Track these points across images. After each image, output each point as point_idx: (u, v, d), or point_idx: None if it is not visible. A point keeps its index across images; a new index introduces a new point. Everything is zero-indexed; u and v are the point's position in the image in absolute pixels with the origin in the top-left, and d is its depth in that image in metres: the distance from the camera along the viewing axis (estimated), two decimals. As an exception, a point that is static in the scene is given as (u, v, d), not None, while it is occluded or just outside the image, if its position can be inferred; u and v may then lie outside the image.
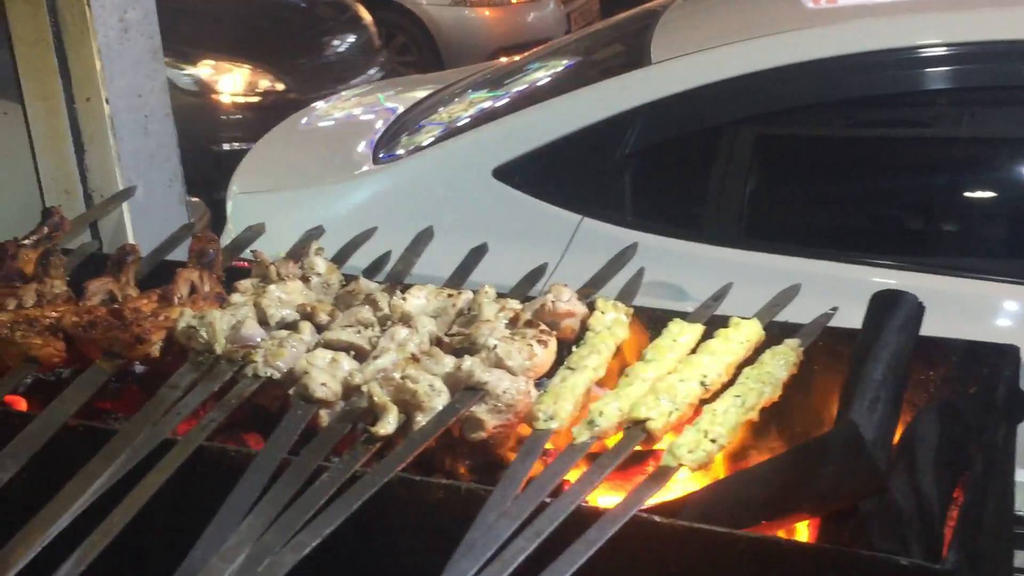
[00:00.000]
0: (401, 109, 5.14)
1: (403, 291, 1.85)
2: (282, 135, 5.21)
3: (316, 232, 2.16)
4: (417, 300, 1.82)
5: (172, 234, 2.19)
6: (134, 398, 1.98)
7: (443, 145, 4.54)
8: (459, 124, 4.72)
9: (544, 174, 4.27)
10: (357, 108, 5.54)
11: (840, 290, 2.90)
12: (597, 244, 4.06)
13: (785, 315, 1.82)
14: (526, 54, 5.55)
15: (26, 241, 2.14)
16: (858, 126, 3.75)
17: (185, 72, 6.22)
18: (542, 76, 5.07)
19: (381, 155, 4.69)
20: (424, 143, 4.66)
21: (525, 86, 5.00)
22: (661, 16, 4.51)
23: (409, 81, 6.08)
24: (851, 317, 1.77)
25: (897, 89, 3.51)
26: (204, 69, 6.32)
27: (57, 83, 2.30)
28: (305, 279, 1.93)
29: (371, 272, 2.03)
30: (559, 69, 5.10)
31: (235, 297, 1.87)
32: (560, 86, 4.73)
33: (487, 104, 4.89)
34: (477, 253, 2.08)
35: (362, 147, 4.82)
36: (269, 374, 1.71)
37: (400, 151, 4.67)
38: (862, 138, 3.69)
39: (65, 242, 2.25)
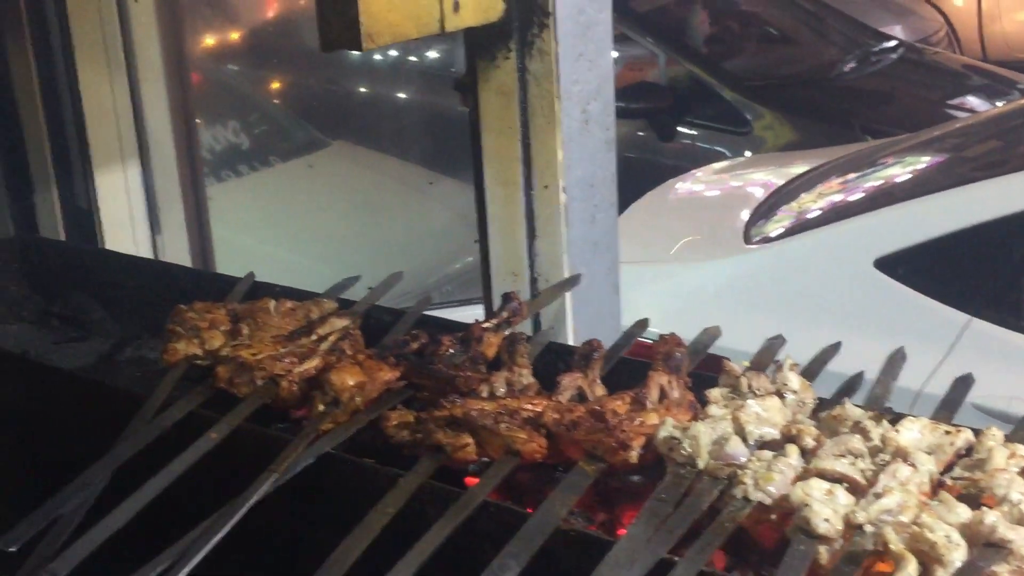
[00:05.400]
0: (772, 186, 5.07)
1: (892, 421, 1.76)
2: (653, 203, 5.24)
3: (778, 341, 2.10)
4: (911, 433, 1.72)
5: (628, 329, 2.20)
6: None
7: (822, 230, 4.43)
8: (838, 209, 4.59)
9: (932, 268, 4.09)
10: (728, 182, 5.52)
11: None
12: (986, 347, 3.85)
13: None
14: (902, 139, 5.36)
15: (487, 325, 2.21)
16: None
17: None
18: (927, 164, 4.86)
19: (753, 235, 4.63)
20: (799, 226, 4.57)
21: (909, 174, 4.81)
22: (1065, 107, 4.25)
23: (778, 158, 6.00)
24: None
25: None
26: None
27: (518, 170, 2.37)
28: (779, 395, 1.88)
29: (844, 393, 1.95)
30: (947, 158, 4.88)
31: (712, 409, 1.84)
32: (952, 177, 4.53)
33: (868, 189, 4.74)
34: (963, 384, 1.95)
35: (732, 224, 4.78)
36: (760, 498, 1.66)
37: (774, 232, 4.59)
38: None
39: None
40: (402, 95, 7.56)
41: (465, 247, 5.63)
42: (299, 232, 5.75)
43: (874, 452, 1.72)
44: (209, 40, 6.46)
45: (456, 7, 2.16)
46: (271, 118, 7.00)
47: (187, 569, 1.66)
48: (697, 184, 5.58)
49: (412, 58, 7.36)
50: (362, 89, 7.74)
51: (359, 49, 2.01)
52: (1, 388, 2.41)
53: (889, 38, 7.42)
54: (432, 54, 7.44)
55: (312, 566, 1.66)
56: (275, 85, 7.64)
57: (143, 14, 3.25)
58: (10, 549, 1.72)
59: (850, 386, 1.98)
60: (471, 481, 1.89)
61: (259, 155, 6.46)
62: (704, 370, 2.07)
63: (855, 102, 6.80)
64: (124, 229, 3.30)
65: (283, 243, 5.59)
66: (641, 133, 6.78)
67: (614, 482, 1.92)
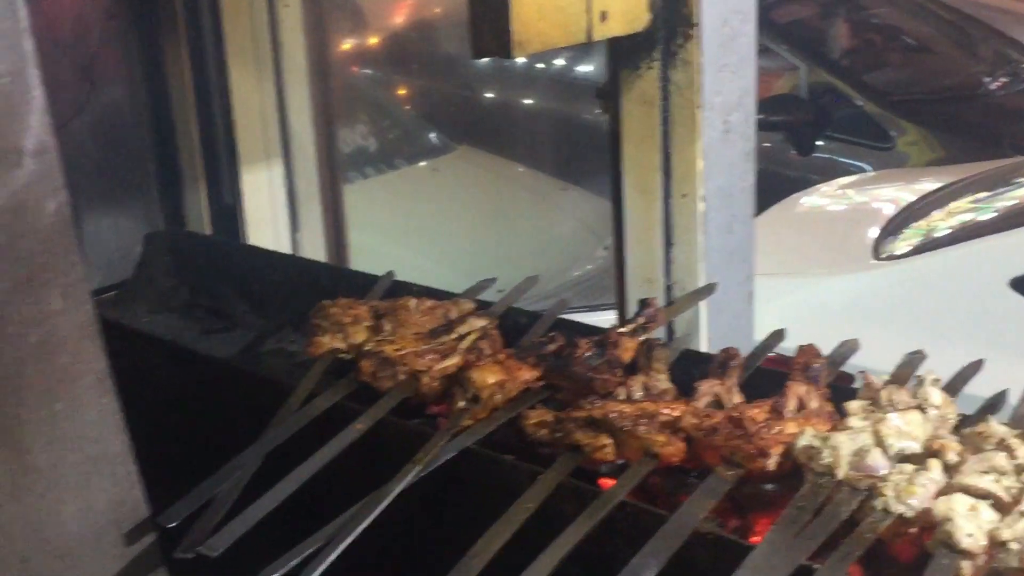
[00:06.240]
0: (904, 202, 4.99)
1: (1036, 441, 1.75)
2: (778, 216, 5.20)
3: (919, 356, 2.09)
4: (1058, 454, 1.70)
5: (764, 340, 2.21)
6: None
7: (955, 248, 4.36)
8: (970, 228, 4.51)
9: (1071, 291, 3.98)
10: (853, 197, 5.45)
11: None
12: (1125, 373, 3.71)
13: None
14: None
15: (623, 329, 2.24)
16: None
17: None
18: (1065, 184, 4.74)
19: (882, 251, 4.57)
20: (930, 244, 4.50)
21: (1049, 191, 4.70)
22: None
23: (905, 174, 5.91)
24: None
25: None
26: None
27: (657, 179, 2.40)
28: (920, 409, 1.87)
29: (986, 411, 1.93)
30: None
31: (852, 421, 1.84)
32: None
33: (1001, 209, 4.64)
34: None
35: (860, 240, 4.73)
36: (901, 511, 1.66)
37: (903, 249, 4.53)
38: None
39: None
40: (527, 101, 7.62)
41: (586, 255, 5.66)
42: (423, 234, 5.84)
43: (1019, 471, 1.70)
44: (345, 45, 6.60)
45: (604, 17, 2.20)
46: (398, 121, 7.10)
47: (335, 554, 1.73)
48: (823, 198, 5.52)
49: (539, 65, 7.41)
50: (488, 94, 7.80)
51: (508, 57, 2.06)
52: (153, 372, 2.52)
53: None
54: (559, 61, 7.48)
55: (451, 557, 1.71)
56: (403, 89, 7.75)
57: (291, 18, 3.36)
58: (169, 525, 1.81)
59: (993, 404, 1.96)
60: (605, 482, 1.93)
61: (385, 158, 6.55)
62: (837, 385, 2.07)
63: (1006, 119, 6.60)
64: (266, 226, 3.42)
65: (407, 244, 5.67)
66: (767, 144, 6.71)
67: (747, 489, 1.94)
